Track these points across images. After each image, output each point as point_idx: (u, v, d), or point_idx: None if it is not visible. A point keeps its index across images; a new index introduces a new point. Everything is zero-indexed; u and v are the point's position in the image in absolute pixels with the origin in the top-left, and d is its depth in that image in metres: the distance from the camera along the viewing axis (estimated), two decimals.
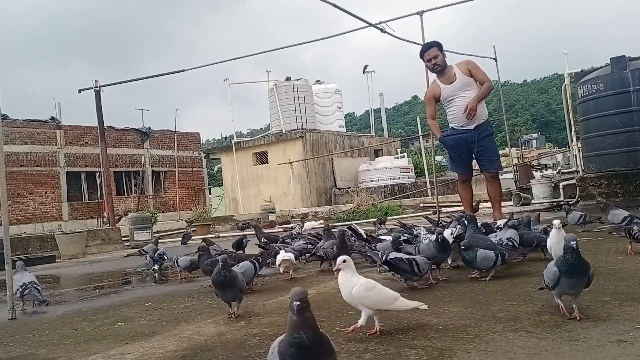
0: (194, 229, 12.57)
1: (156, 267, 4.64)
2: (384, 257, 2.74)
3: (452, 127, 5.44)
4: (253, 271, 3.20)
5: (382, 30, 9.20)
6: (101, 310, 3.21)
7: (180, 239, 8.50)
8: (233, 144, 22.16)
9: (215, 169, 39.77)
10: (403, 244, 3.27)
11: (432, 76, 5.74)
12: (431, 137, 10.03)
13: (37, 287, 3.32)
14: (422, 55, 5.42)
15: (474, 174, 6.00)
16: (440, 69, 5.28)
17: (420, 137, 21.66)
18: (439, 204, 8.45)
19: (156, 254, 4.63)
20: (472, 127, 5.22)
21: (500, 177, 5.89)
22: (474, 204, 5.97)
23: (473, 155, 5.36)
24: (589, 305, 2.10)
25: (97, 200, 22.15)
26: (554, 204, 8.75)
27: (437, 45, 5.34)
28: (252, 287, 3.29)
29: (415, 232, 4.21)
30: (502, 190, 5.94)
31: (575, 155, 10.79)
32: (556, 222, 2.79)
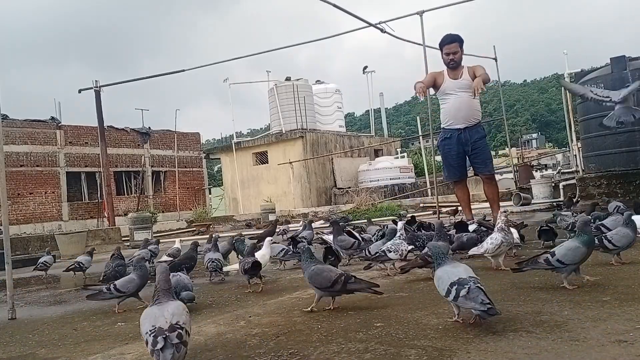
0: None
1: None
2: None
3: (443, 127, 5.44)
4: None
5: (382, 30, 9.22)
6: (101, 310, 3.21)
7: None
8: (233, 144, 22.16)
9: (215, 169, 39.74)
10: None
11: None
12: (431, 138, 10.03)
13: None
14: (442, 45, 5.32)
15: (469, 175, 5.99)
16: (454, 65, 5.24)
17: (420, 137, 21.67)
18: (439, 204, 8.44)
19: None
20: (462, 127, 5.23)
21: (501, 177, 5.91)
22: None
23: (467, 157, 5.36)
24: (589, 305, 2.10)
25: (97, 200, 22.16)
26: (554, 204, 8.77)
27: (459, 41, 5.27)
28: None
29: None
30: (503, 190, 5.94)
31: (575, 155, 10.80)
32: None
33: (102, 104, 12.35)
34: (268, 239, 3.87)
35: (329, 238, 4.29)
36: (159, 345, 1.61)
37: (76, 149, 22.26)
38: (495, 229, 3.22)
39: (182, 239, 7.11)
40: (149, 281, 3.02)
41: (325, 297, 2.49)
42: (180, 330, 1.66)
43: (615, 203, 4.60)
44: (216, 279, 4.00)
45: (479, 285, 1.91)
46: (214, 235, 4.64)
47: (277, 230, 6.18)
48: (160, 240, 5.97)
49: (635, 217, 3.10)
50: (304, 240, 4.54)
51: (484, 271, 3.16)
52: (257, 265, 3.20)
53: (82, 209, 22.41)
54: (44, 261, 5.34)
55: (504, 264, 3.17)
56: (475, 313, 1.89)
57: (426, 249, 2.93)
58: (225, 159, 23.54)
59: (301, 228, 5.91)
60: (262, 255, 3.61)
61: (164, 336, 1.63)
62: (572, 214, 4.43)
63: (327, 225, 6.56)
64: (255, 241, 4.36)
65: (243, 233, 6.06)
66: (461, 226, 4.00)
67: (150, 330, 1.67)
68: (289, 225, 8.49)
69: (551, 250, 2.46)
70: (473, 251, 3.32)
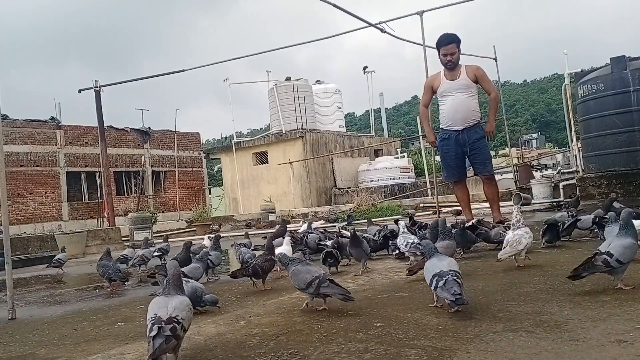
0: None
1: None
2: None
3: (442, 128, 5.45)
4: None
5: (382, 30, 9.22)
6: (101, 310, 3.21)
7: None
8: (233, 144, 22.15)
9: (215, 169, 39.78)
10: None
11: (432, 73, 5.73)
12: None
13: None
14: (439, 46, 5.27)
15: (468, 175, 5.99)
16: (452, 66, 5.23)
17: (420, 137, 21.61)
18: (439, 204, 8.45)
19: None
20: (460, 128, 5.23)
21: (501, 177, 5.91)
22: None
23: (466, 157, 5.36)
24: (589, 305, 2.10)
25: (97, 200, 22.15)
26: (554, 204, 8.77)
27: (457, 41, 5.24)
28: None
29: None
30: (503, 190, 5.94)
31: (575, 155, 10.81)
32: None
33: (102, 104, 12.34)
34: (287, 238, 3.99)
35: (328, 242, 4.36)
36: (152, 333, 1.67)
37: (76, 149, 22.25)
38: (518, 225, 3.12)
39: (209, 236, 7.10)
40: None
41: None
42: (175, 324, 1.71)
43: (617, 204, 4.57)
44: (210, 277, 4.04)
45: (455, 278, 2.12)
46: (214, 235, 4.65)
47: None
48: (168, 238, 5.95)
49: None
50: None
51: (484, 271, 3.16)
52: (257, 270, 3.27)
53: (82, 209, 22.41)
54: (58, 258, 5.57)
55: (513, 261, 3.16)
56: (447, 302, 2.17)
57: None
58: (225, 159, 23.53)
59: (302, 228, 5.89)
60: (287, 251, 3.70)
61: (160, 326, 1.68)
62: (568, 213, 4.38)
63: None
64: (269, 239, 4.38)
65: (249, 233, 6.04)
66: (471, 229, 4.03)
67: (152, 317, 1.74)
68: (286, 226, 8.48)
69: (605, 251, 2.32)
70: (507, 252, 3.07)
